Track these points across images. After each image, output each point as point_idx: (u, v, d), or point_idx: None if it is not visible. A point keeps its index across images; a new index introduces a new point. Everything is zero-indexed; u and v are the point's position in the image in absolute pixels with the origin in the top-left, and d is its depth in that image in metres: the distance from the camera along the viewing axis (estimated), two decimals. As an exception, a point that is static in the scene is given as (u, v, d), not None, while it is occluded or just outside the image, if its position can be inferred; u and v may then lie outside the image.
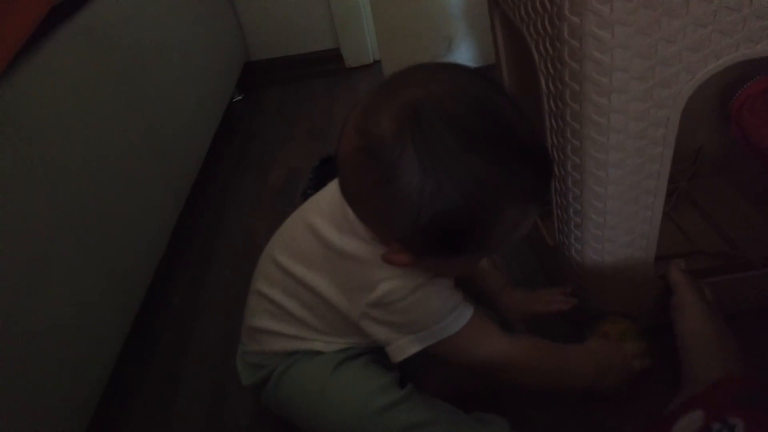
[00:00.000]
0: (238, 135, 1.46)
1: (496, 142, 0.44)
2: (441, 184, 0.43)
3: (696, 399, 0.52)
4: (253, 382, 0.67)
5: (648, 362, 0.66)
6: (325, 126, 1.44)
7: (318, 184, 1.01)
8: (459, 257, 0.50)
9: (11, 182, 0.62)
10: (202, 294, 0.98)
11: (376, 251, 0.52)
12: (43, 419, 0.62)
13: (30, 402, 0.60)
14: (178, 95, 1.09)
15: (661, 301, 0.68)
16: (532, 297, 0.73)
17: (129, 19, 0.96)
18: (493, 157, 0.44)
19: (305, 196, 0.98)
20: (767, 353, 0.68)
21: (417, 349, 0.56)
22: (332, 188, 0.58)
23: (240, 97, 1.63)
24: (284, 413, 0.65)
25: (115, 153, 0.83)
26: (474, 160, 0.43)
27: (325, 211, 0.59)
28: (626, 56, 0.49)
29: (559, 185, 0.65)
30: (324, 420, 0.61)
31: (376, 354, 0.63)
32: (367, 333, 0.57)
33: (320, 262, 0.59)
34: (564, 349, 0.63)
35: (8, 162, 0.62)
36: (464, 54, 1.41)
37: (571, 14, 0.49)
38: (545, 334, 0.63)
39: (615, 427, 0.66)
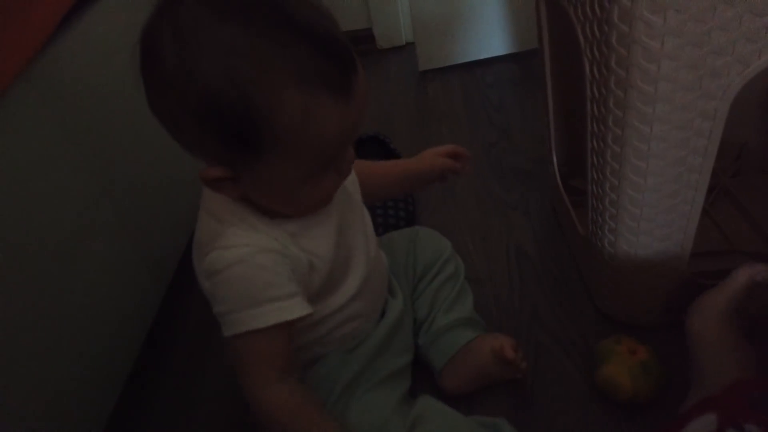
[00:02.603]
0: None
1: (255, 14, 0.41)
2: (197, 58, 0.40)
3: (709, 402, 0.51)
4: None
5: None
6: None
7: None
8: (269, 162, 0.45)
9: (53, 150, 0.63)
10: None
11: (213, 222, 0.51)
12: (78, 389, 0.64)
13: (66, 373, 0.62)
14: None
15: (677, 298, 0.65)
16: (432, 154, 0.72)
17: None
18: (252, 27, 0.40)
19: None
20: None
21: (226, 335, 0.51)
22: None
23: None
24: None
25: (150, 128, 0.83)
26: (230, 29, 0.40)
27: None
28: (677, 44, 0.47)
29: (596, 174, 0.64)
30: None
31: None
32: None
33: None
34: (320, 426, 0.53)
35: (52, 129, 0.63)
36: (502, 38, 1.38)
37: (621, -2, 0.47)
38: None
39: (627, 429, 0.64)
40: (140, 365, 0.76)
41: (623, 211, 0.61)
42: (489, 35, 1.37)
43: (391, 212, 0.94)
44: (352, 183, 0.63)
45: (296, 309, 0.51)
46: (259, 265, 0.50)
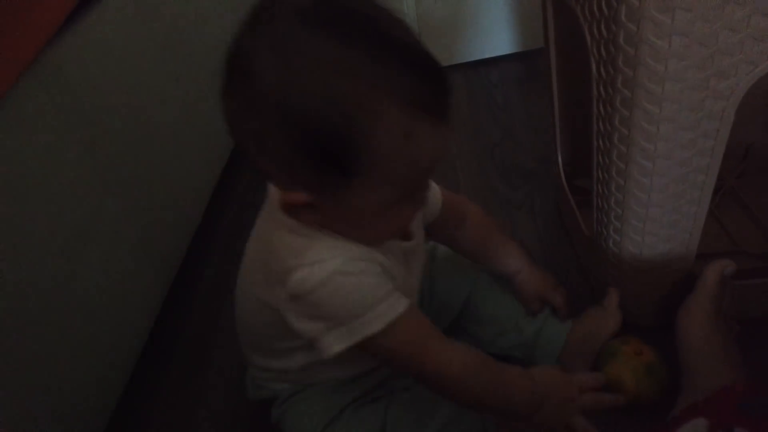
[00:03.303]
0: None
1: (363, 33, 0.39)
2: (299, 75, 0.38)
3: (699, 406, 0.51)
4: (258, 399, 0.66)
5: (600, 399, 0.61)
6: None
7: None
8: (355, 189, 0.43)
9: (59, 145, 0.63)
10: (235, 266, 0.99)
11: (292, 237, 0.48)
12: (83, 382, 0.64)
13: (71, 367, 0.62)
14: (218, 65, 1.09)
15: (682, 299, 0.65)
16: (546, 281, 0.69)
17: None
18: (360, 46, 0.38)
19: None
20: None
21: (342, 347, 0.49)
22: None
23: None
24: None
25: (157, 120, 0.84)
26: (339, 49, 0.38)
27: (266, 204, 0.56)
28: (685, 43, 0.47)
29: (601, 174, 0.63)
30: None
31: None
32: (295, 329, 0.51)
33: (252, 256, 0.56)
34: (503, 369, 0.56)
35: (58, 124, 0.63)
36: (507, 37, 1.38)
37: (629, -3, 0.47)
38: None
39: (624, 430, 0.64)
40: (144, 361, 0.77)
41: (629, 212, 0.60)
42: (494, 34, 1.37)
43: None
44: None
45: (404, 299, 0.51)
46: (360, 271, 0.48)
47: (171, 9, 0.93)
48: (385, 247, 0.52)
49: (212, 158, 1.04)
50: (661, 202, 0.58)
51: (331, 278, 0.47)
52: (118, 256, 0.72)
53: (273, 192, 0.51)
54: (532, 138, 1.14)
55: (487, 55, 1.40)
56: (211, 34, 1.09)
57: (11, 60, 0.57)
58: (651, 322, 0.71)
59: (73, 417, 0.62)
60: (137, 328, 0.76)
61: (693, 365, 0.57)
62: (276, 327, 0.54)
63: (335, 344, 0.49)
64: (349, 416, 0.60)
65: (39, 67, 0.61)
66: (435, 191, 0.64)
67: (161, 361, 0.84)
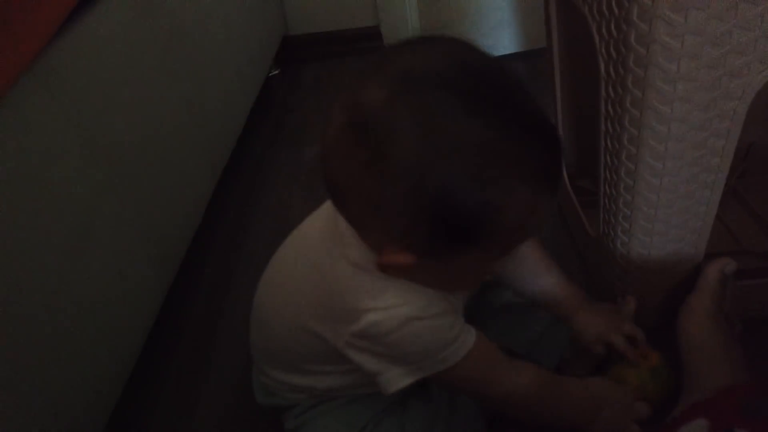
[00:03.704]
0: (273, 109, 1.46)
1: (501, 107, 0.39)
2: (442, 151, 0.37)
3: (700, 406, 0.51)
4: (268, 405, 0.65)
5: (650, 408, 0.60)
6: (361, 104, 1.43)
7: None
8: (467, 254, 0.43)
9: (60, 145, 0.62)
10: (236, 267, 0.99)
11: (365, 277, 0.47)
12: (83, 381, 0.63)
13: (71, 367, 0.62)
14: (218, 66, 1.09)
15: (677, 297, 0.65)
16: (607, 321, 0.64)
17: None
18: (499, 124, 0.38)
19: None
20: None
21: (410, 382, 0.50)
22: (327, 205, 0.53)
23: (277, 71, 1.62)
24: None
25: (156, 122, 0.83)
26: (479, 124, 0.38)
27: (315, 227, 0.55)
28: (698, 42, 0.47)
29: (609, 175, 0.63)
30: None
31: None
32: (354, 362, 0.51)
33: (302, 284, 0.54)
34: (564, 383, 0.58)
35: (58, 124, 0.62)
36: (510, 36, 1.38)
37: (642, -4, 0.47)
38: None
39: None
40: (144, 360, 0.76)
41: (637, 212, 0.60)
42: (496, 33, 1.36)
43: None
44: None
45: (472, 330, 0.52)
46: (436, 314, 0.48)
47: (171, 9, 0.92)
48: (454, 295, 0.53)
49: (213, 158, 1.03)
50: (670, 202, 0.58)
51: (407, 324, 0.47)
52: (118, 255, 0.71)
53: (340, 225, 0.48)
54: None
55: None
56: (212, 34, 1.08)
57: (12, 59, 0.56)
58: (655, 322, 0.71)
59: (72, 416, 0.61)
60: (137, 328, 0.75)
61: (694, 365, 0.57)
62: (319, 355, 0.54)
63: (401, 381, 0.50)
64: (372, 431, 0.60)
65: (40, 66, 0.60)
66: None
67: (161, 361, 0.83)
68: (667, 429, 0.51)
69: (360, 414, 0.60)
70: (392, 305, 0.47)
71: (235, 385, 0.78)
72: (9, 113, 0.55)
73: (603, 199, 0.67)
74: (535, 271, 0.65)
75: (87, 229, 0.65)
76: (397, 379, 0.50)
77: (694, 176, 0.56)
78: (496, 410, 0.62)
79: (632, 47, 0.50)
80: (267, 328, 0.61)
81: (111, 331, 0.69)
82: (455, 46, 0.42)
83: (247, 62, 1.27)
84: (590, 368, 0.67)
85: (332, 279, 0.50)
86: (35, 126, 0.59)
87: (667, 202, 0.58)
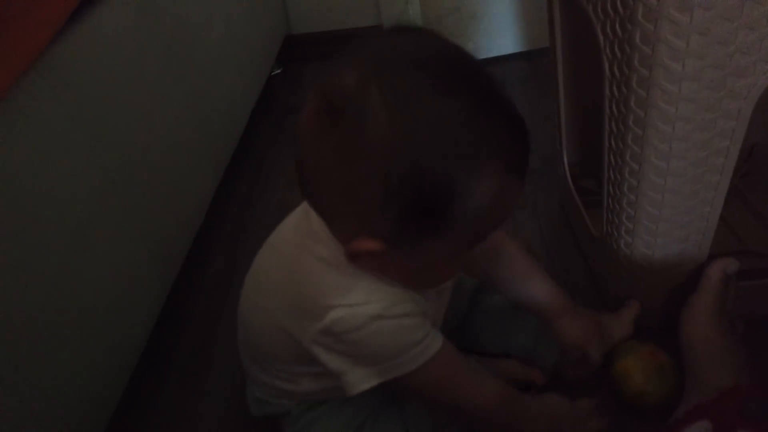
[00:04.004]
0: (275, 109, 1.45)
1: (471, 90, 0.39)
2: (414, 130, 0.37)
3: (703, 408, 0.50)
4: (263, 416, 0.64)
5: (605, 422, 0.61)
6: (362, 104, 1.42)
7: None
8: (435, 240, 0.42)
9: (63, 143, 0.62)
10: (237, 266, 0.98)
11: (332, 273, 0.47)
12: (85, 380, 0.63)
13: (72, 368, 0.61)
14: (220, 65, 1.08)
15: (680, 298, 0.65)
16: (587, 329, 0.63)
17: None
18: (470, 104, 0.38)
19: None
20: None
21: (372, 384, 0.49)
22: (303, 204, 0.53)
23: (279, 71, 1.62)
24: None
25: (159, 121, 0.83)
26: (450, 103, 0.38)
27: (289, 225, 0.54)
28: (703, 42, 0.46)
29: (613, 175, 0.63)
30: None
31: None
32: (320, 362, 0.50)
33: (276, 282, 0.54)
34: (525, 400, 0.58)
35: (61, 122, 0.62)
36: (512, 37, 1.37)
37: (647, -5, 0.47)
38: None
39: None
40: (145, 360, 0.76)
41: (641, 212, 0.60)
42: (498, 33, 1.36)
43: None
44: None
45: (438, 336, 0.51)
46: (402, 314, 0.48)
47: (174, 8, 0.92)
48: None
49: (214, 157, 1.03)
50: (674, 202, 0.58)
51: (373, 321, 0.46)
52: (120, 254, 0.71)
53: (313, 222, 0.48)
54: (536, 138, 1.11)
55: (492, 55, 1.40)
56: (215, 34, 1.08)
57: (15, 58, 0.56)
58: (658, 323, 0.71)
59: (73, 417, 0.61)
60: (138, 328, 0.75)
61: (696, 365, 0.57)
62: (291, 356, 0.54)
63: (364, 382, 0.49)
64: (370, 430, 0.59)
65: (43, 65, 0.60)
66: None
67: (163, 360, 0.83)
68: (670, 430, 0.51)
69: (355, 415, 0.59)
70: (358, 302, 0.47)
71: (237, 385, 0.78)
72: (12, 112, 0.55)
73: (606, 199, 0.67)
74: (521, 275, 0.65)
75: (89, 228, 0.65)
76: (359, 381, 0.49)
77: (698, 176, 0.56)
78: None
79: (637, 47, 0.50)
80: (249, 328, 0.61)
81: (112, 331, 0.69)
82: (426, 34, 0.42)
83: (249, 61, 1.27)
84: (586, 371, 0.66)
85: (302, 276, 0.50)
86: (38, 125, 0.59)
87: (671, 202, 0.58)
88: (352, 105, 0.38)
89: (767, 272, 0.70)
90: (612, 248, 0.69)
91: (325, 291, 0.48)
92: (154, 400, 0.79)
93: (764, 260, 0.76)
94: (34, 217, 0.57)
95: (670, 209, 0.58)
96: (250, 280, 0.60)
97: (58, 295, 0.60)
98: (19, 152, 0.56)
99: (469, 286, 0.72)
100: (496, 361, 0.68)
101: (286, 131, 1.36)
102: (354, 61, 0.39)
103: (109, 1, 0.74)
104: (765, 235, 0.80)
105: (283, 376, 0.58)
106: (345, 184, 0.41)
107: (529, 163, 0.44)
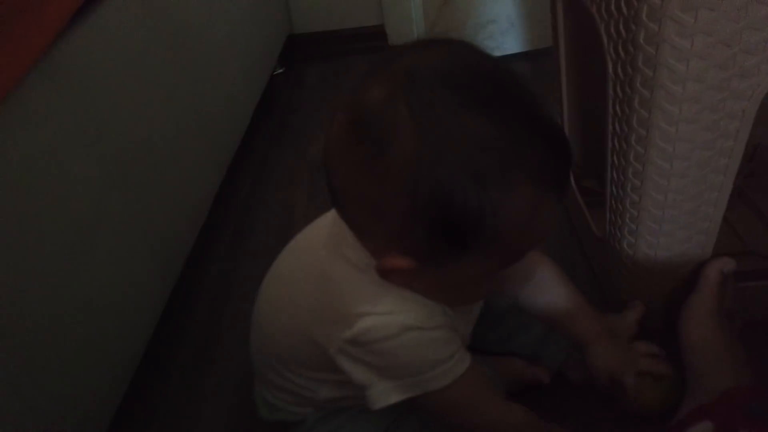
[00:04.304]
0: (278, 108, 1.45)
1: (504, 106, 0.38)
2: (441, 148, 0.36)
3: (705, 409, 0.50)
4: (273, 421, 0.63)
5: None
6: (365, 104, 1.42)
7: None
8: (467, 260, 0.41)
9: (66, 142, 0.62)
10: (239, 265, 0.99)
11: (364, 280, 0.46)
12: (87, 380, 0.63)
13: (75, 368, 0.62)
14: (223, 65, 1.08)
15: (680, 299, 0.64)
16: (624, 359, 0.61)
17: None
18: (501, 122, 0.37)
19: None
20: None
21: (396, 400, 0.48)
22: (332, 210, 0.51)
23: (281, 71, 1.62)
24: None
25: (162, 120, 0.83)
26: (479, 120, 0.37)
27: (321, 228, 0.53)
28: (708, 42, 0.46)
29: (616, 175, 0.63)
30: None
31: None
32: (345, 371, 0.49)
33: (304, 285, 0.53)
34: (548, 429, 0.56)
35: (64, 121, 0.62)
36: (514, 37, 1.37)
37: (651, -5, 0.46)
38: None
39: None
40: (148, 359, 0.76)
41: (644, 213, 0.60)
42: (501, 33, 1.36)
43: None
44: None
45: (467, 357, 0.50)
46: (434, 327, 0.47)
47: (177, 7, 0.92)
48: (454, 309, 0.51)
49: (218, 158, 1.03)
50: (678, 203, 0.58)
51: (405, 332, 0.45)
52: (122, 253, 0.71)
53: (345, 229, 0.47)
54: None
55: (495, 55, 1.39)
56: (217, 33, 1.08)
57: (19, 57, 0.56)
58: (662, 324, 0.71)
59: (76, 417, 0.61)
60: (141, 328, 0.75)
61: (697, 366, 0.57)
62: (313, 362, 0.53)
63: (387, 398, 0.48)
64: None
65: (46, 64, 0.60)
66: None
67: (165, 360, 0.83)
68: (672, 431, 0.51)
69: (374, 426, 0.58)
70: (390, 311, 0.46)
71: (239, 385, 0.78)
72: (15, 110, 0.55)
73: (610, 200, 0.67)
74: (553, 297, 0.63)
75: (91, 228, 0.65)
76: (383, 395, 0.48)
77: (702, 177, 0.55)
78: None
79: (641, 47, 0.49)
80: (266, 332, 0.60)
81: (115, 330, 0.69)
82: (460, 47, 0.41)
83: (252, 61, 1.27)
84: (620, 396, 0.64)
85: (333, 281, 0.49)
86: (41, 123, 0.59)
87: (674, 203, 0.58)
88: (379, 121, 0.38)
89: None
90: (615, 249, 0.69)
91: (357, 298, 0.47)
92: (156, 400, 0.79)
93: (767, 261, 0.76)
94: (37, 216, 0.57)
95: (673, 210, 0.58)
96: (274, 280, 0.59)
97: (60, 295, 0.60)
98: (22, 151, 0.56)
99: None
100: (502, 361, 0.68)
101: (289, 130, 1.36)
102: (385, 75, 0.39)
103: (113, 0, 0.74)
104: (767, 236, 0.80)
105: (301, 382, 0.57)
106: (372, 202, 0.40)
107: (567, 177, 0.43)
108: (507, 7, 1.32)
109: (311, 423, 0.60)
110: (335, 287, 0.48)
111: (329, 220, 0.52)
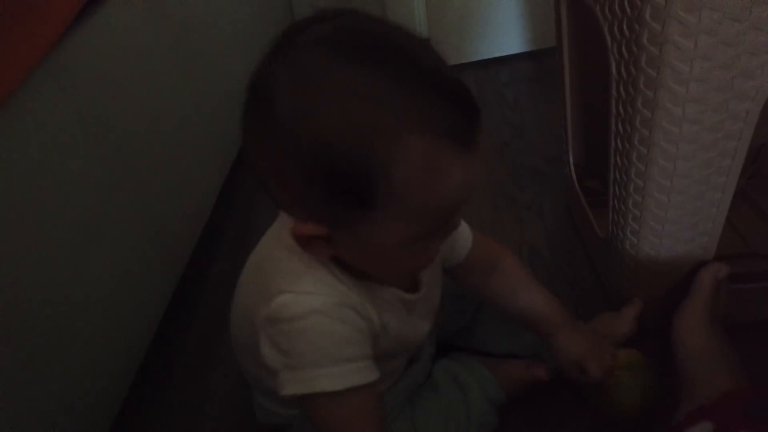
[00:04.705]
0: (281, 107, 1.46)
1: (386, 56, 0.37)
2: (316, 101, 0.36)
3: (704, 410, 0.50)
4: (268, 425, 0.63)
5: None
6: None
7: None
8: (372, 221, 0.40)
9: (70, 140, 0.62)
10: (242, 264, 0.98)
11: (294, 260, 0.46)
12: (90, 378, 0.63)
13: (80, 365, 0.62)
14: (226, 63, 1.09)
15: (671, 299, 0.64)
16: (588, 346, 0.60)
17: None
18: (384, 72, 0.36)
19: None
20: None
21: (290, 392, 0.45)
22: None
23: (284, 70, 1.62)
24: None
25: (166, 118, 0.84)
26: (354, 70, 0.36)
27: (277, 219, 0.53)
28: (711, 43, 0.46)
29: (619, 176, 0.63)
30: None
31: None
32: (263, 356, 0.47)
33: (250, 273, 0.53)
34: None
35: (68, 119, 0.62)
36: (518, 36, 1.37)
37: (655, -5, 0.46)
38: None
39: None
40: (150, 358, 0.76)
41: (647, 213, 0.60)
42: (505, 33, 1.36)
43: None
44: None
45: (372, 373, 0.47)
46: (341, 319, 0.45)
47: (180, 5, 0.92)
48: (381, 299, 0.50)
49: (220, 156, 1.03)
50: (681, 204, 0.58)
51: (309, 315, 0.44)
52: (126, 252, 0.71)
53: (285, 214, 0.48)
54: (542, 138, 1.13)
55: (498, 54, 1.39)
56: (221, 31, 1.08)
57: (22, 56, 0.56)
58: (663, 324, 0.71)
59: (81, 411, 0.61)
60: (144, 325, 0.76)
61: (691, 372, 0.56)
62: (257, 349, 0.50)
63: (288, 386, 0.46)
64: None
65: (50, 63, 0.60)
66: (465, 233, 0.60)
67: (168, 358, 0.83)
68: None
69: None
70: (307, 291, 0.45)
71: (242, 383, 0.78)
72: (20, 109, 0.55)
73: (612, 200, 0.67)
74: (516, 290, 0.63)
75: (95, 225, 0.65)
76: (285, 384, 0.46)
77: (705, 178, 0.55)
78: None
79: (644, 47, 0.49)
80: (231, 322, 0.59)
81: (118, 328, 0.69)
82: (350, 14, 0.40)
83: (255, 59, 1.27)
84: (588, 382, 0.64)
85: (266, 260, 0.49)
86: (45, 122, 0.59)
87: (677, 203, 0.58)
88: (261, 86, 0.38)
89: (772, 274, 0.70)
90: (617, 249, 0.69)
91: (284, 276, 0.46)
92: (159, 398, 0.79)
93: (769, 262, 0.75)
94: (41, 214, 0.57)
95: (676, 210, 0.58)
96: (243, 273, 0.58)
97: (63, 293, 0.60)
98: (26, 149, 0.56)
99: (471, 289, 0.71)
100: (502, 364, 0.67)
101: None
102: (272, 45, 0.39)
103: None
104: (771, 237, 0.80)
105: (264, 377, 0.56)
106: (275, 171, 0.40)
107: (476, 132, 0.39)
108: (510, 6, 1.32)
109: (298, 425, 0.60)
110: (271, 267, 0.48)
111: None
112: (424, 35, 1.57)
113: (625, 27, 0.52)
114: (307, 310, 0.44)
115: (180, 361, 0.83)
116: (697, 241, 0.61)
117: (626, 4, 0.51)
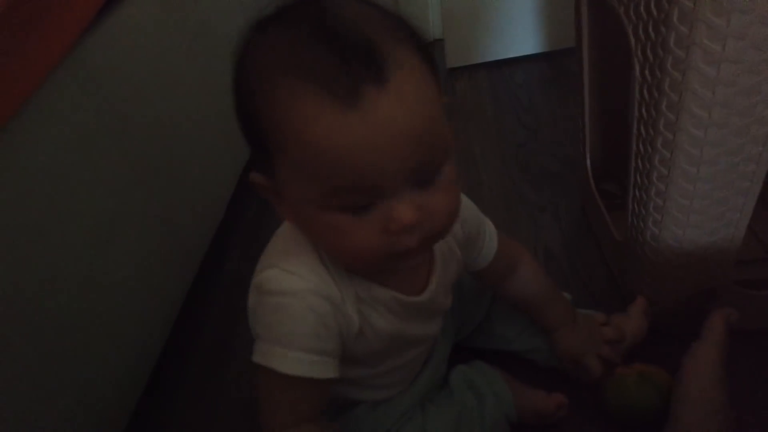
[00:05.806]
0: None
1: (299, 16, 0.39)
2: (244, 53, 0.41)
3: None
4: None
5: None
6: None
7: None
8: (279, 169, 0.41)
9: (90, 138, 0.63)
10: (256, 261, 0.98)
11: (289, 238, 0.48)
12: (107, 373, 0.64)
13: (97, 362, 0.62)
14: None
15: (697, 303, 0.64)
16: (586, 341, 0.63)
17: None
18: (294, 31, 0.38)
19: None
20: None
21: (255, 360, 0.46)
22: None
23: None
24: None
25: (183, 116, 0.84)
26: (272, 34, 0.40)
27: None
28: (740, 46, 0.46)
29: (639, 178, 0.62)
30: None
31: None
32: (249, 321, 0.48)
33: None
34: None
35: (88, 117, 0.63)
36: (533, 37, 1.36)
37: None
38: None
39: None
40: (166, 353, 0.76)
41: (668, 217, 0.59)
42: (519, 33, 1.35)
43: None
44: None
45: (324, 370, 0.46)
46: (309, 307, 0.45)
47: (198, 5, 0.92)
48: (374, 298, 0.49)
49: (236, 153, 1.03)
50: (703, 209, 0.57)
51: (285, 294, 0.45)
52: (143, 248, 0.72)
53: None
54: (557, 140, 1.12)
55: (512, 55, 1.39)
56: (239, 27, 1.08)
57: (43, 55, 0.57)
58: (681, 329, 0.70)
59: (97, 406, 0.62)
60: (160, 322, 0.76)
61: (685, 420, 0.55)
62: None
63: (255, 354, 0.46)
64: None
65: (70, 61, 0.60)
66: (492, 236, 0.61)
67: (184, 354, 0.84)
68: None
69: (380, 425, 0.59)
70: (287, 269, 0.45)
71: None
72: (41, 106, 0.55)
73: (632, 203, 0.66)
74: (523, 280, 0.64)
75: (112, 223, 0.66)
76: (254, 351, 0.47)
77: (729, 183, 0.55)
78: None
79: (671, 50, 0.49)
80: None
81: (134, 325, 0.69)
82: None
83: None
84: (589, 380, 0.65)
85: (277, 234, 0.51)
86: (66, 120, 0.60)
87: (699, 208, 0.57)
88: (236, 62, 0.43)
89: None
90: (636, 253, 0.68)
91: (278, 251, 0.49)
92: (175, 393, 0.79)
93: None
94: (59, 211, 0.58)
95: (698, 215, 0.58)
96: None
97: (82, 290, 0.60)
98: (46, 147, 0.56)
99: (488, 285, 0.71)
100: (526, 393, 0.66)
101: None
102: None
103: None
104: (791, 242, 0.79)
105: None
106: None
107: (361, 91, 0.36)
108: (524, 7, 1.31)
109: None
110: (275, 240, 0.51)
111: None
112: (437, 36, 1.57)
113: (650, 29, 0.52)
114: (283, 288, 0.45)
115: (194, 359, 0.84)
116: (721, 232, 0.59)
117: (653, 6, 0.50)
